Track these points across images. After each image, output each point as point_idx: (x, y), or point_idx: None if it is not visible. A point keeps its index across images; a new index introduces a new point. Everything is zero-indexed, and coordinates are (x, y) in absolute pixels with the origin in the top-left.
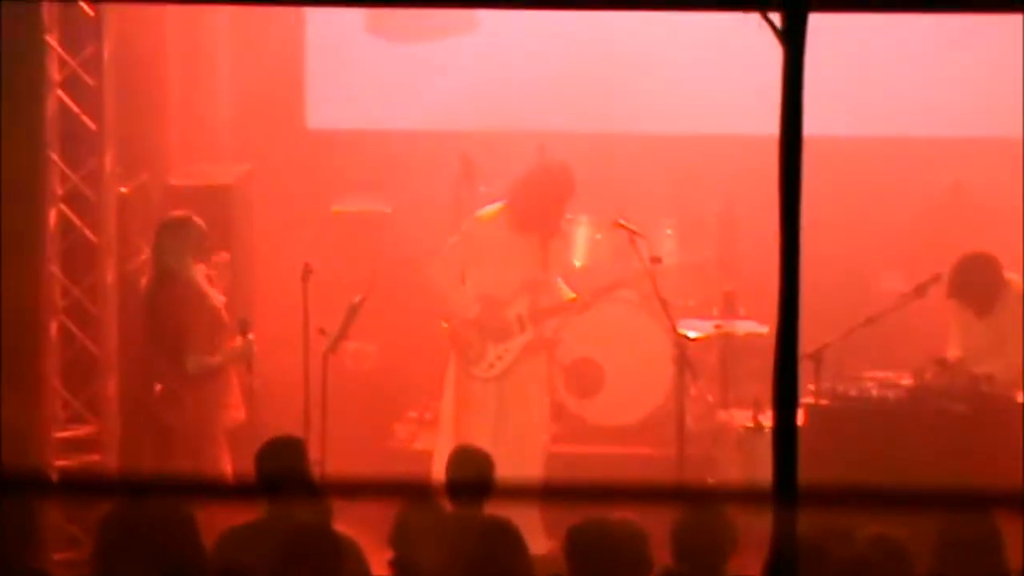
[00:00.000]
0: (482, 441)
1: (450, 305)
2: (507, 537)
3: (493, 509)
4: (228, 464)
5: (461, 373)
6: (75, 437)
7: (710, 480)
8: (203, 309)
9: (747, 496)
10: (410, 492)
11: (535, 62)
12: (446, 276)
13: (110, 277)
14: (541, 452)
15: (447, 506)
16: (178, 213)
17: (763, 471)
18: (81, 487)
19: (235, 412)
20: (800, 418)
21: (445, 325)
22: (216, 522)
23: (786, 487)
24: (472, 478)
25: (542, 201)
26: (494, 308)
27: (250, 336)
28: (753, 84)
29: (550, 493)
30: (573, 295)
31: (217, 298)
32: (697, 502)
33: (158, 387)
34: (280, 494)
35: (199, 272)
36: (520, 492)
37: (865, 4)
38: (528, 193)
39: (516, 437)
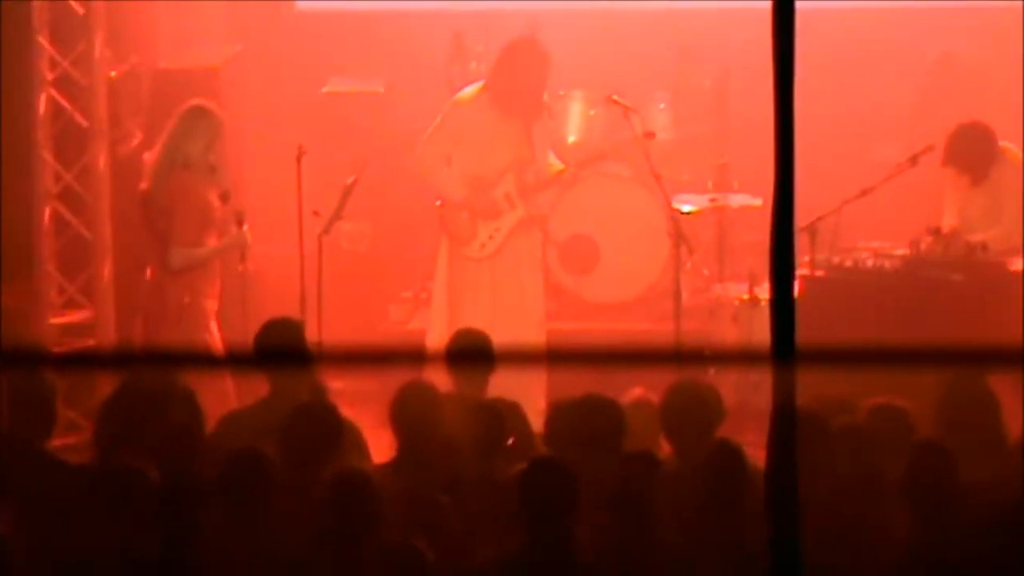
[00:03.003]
0: (477, 321)
1: (437, 189)
2: (510, 416)
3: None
4: (219, 347)
5: (453, 254)
6: (71, 322)
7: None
8: (198, 205)
9: (745, 358)
10: (410, 361)
11: None
12: (430, 160)
13: (102, 162)
14: (538, 330)
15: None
16: (198, 102)
17: (759, 344)
18: (81, 359)
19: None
20: (796, 290)
21: (438, 203)
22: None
23: (784, 349)
24: (474, 354)
25: (518, 81)
26: (482, 188)
27: (245, 227)
28: None
29: (549, 358)
30: (561, 167)
31: (214, 194)
32: (694, 366)
33: (148, 272)
34: (280, 368)
35: (207, 165)
36: (520, 358)
37: None
38: (504, 74)
39: (512, 316)
